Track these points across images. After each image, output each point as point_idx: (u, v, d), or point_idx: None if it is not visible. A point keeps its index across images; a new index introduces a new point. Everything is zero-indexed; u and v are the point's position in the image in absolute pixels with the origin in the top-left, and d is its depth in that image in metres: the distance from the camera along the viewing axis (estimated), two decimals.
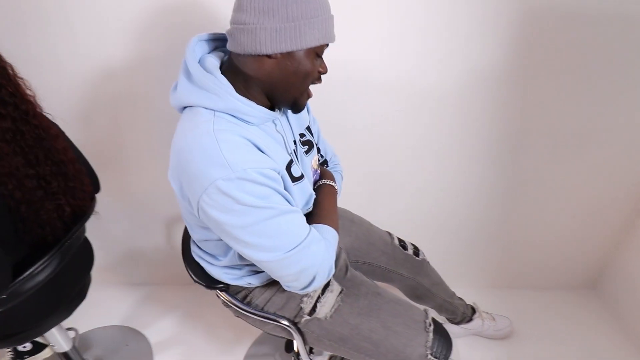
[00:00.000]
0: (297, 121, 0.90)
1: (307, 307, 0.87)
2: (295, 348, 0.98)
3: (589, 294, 1.63)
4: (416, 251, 1.17)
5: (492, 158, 1.34)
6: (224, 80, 0.70)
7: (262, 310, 0.90)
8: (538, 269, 1.61)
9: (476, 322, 1.38)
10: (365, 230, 1.12)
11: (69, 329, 1.26)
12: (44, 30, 1.16)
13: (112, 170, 1.40)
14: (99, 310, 1.54)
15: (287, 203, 0.72)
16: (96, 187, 1.07)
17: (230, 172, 0.63)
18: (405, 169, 1.38)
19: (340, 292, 0.90)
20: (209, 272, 0.92)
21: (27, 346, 1.29)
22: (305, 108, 0.97)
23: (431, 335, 0.85)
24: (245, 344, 1.44)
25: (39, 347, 1.31)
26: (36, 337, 0.99)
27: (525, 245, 1.55)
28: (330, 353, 1.02)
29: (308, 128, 0.94)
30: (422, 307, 0.94)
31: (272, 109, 0.80)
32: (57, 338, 1.12)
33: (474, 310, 1.39)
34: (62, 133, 0.98)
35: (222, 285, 0.92)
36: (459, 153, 1.33)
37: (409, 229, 1.33)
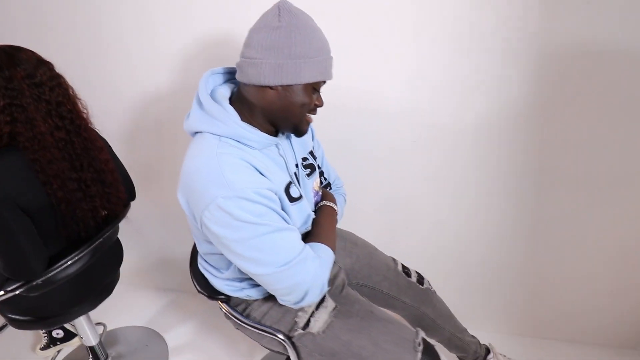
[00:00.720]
0: (301, 146, 0.97)
1: (302, 322, 0.90)
2: None
3: (632, 354, 1.46)
4: (420, 279, 1.15)
5: (514, 195, 1.30)
6: (230, 109, 0.79)
7: (259, 322, 0.94)
8: (572, 320, 1.48)
9: None
10: (367, 254, 1.13)
11: (98, 323, 1.39)
12: (102, 58, 1.37)
13: (151, 182, 1.56)
14: (128, 309, 1.67)
15: (283, 221, 0.78)
16: (131, 195, 1.21)
17: (230, 191, 0.71)
18: (422, 200, 1.38)
19: (334, 309, 0.92)
20: (212, 284, 0.98)
21: (60, 333, 1.44)
22: (310, 133, 1.04)
23: (419, 355, 0.85)
24: (257, 358, 1.47)
25: (69, 336, 1.45)
26: (65, 323, 1.11)
27: (557, 292, 1.44)
28: None
29: (311, 152, 1.00)
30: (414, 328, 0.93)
31: (275, 134, 0.87)
32: (87, 332, 1.24)
33: (488, 351, 1.29)
34: (107, 146, 1.13)
35: (223, 297, 0.98)
36: (478, 188, 1.31)
37: (423, 262, 1.31)
